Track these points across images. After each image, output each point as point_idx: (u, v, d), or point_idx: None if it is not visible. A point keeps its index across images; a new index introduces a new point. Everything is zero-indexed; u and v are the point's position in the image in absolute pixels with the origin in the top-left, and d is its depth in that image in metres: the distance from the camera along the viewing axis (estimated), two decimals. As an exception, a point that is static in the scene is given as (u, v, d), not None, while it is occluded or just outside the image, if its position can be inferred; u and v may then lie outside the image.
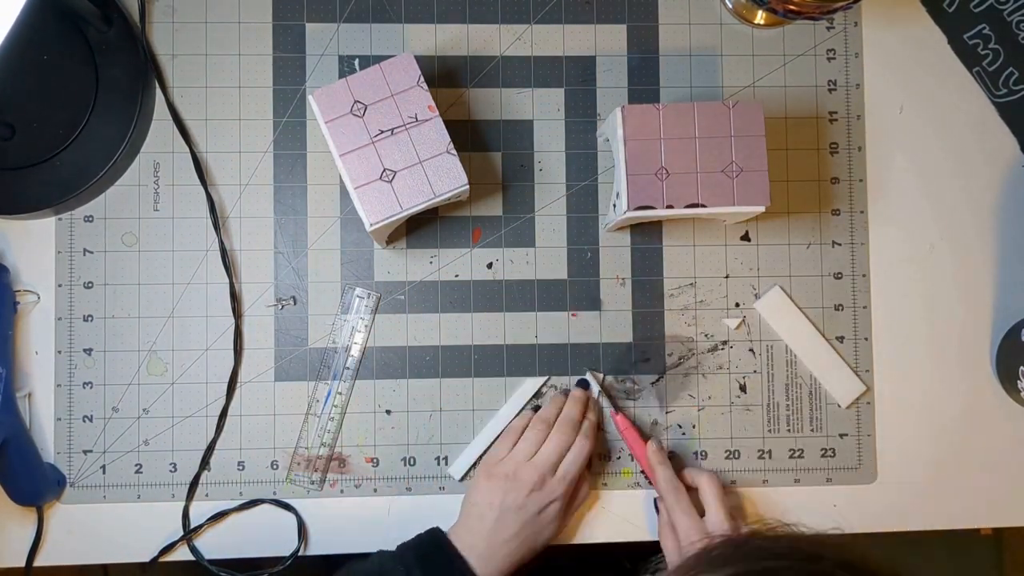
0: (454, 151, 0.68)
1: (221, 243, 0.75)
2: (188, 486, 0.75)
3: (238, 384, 0.76)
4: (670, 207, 0.68)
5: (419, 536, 0.70)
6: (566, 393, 0.76)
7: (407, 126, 0.68)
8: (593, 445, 0.73)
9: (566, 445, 0.71)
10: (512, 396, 0.77)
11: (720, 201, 0.68)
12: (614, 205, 0.72)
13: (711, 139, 0.68)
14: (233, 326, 0.75)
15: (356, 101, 0.68)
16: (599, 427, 0.76)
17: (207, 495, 0.75)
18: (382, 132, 0.67)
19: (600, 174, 0.78)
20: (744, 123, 0.69)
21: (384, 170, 0.67)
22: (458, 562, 0.67)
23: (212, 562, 0.74)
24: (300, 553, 0.75)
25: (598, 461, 0.77)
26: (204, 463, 0.75)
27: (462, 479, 0.76)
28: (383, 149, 0.67)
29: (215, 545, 0.75)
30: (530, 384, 0.77)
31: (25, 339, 0.75)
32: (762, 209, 0.69)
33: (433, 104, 0.68)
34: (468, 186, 0.68)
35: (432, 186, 0.67)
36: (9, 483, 0.71)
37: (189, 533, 0.74)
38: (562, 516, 0.71)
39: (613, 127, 0.70)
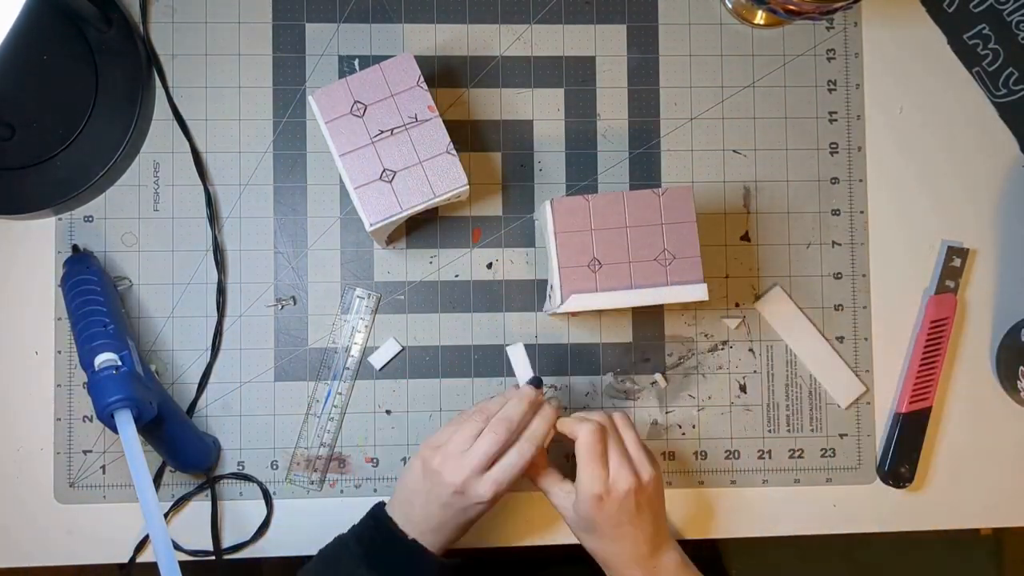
0: (454, 151, 0.68)
1: (215, 238, 0.75)
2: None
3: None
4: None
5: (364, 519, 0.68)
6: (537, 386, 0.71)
7: (407, 126, 0.68)
8: (535, 451, 0.64)
9: (496, 445, 0.63)
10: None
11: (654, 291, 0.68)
12: (549, 296, 0.72)
13: (642, 228, 0.68)
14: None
15: (356, 101, 0.68)
16: (551, 433, 0.67)
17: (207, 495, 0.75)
18: (382, 132, 0.67)
19: (600, 174, 0.78)
20: (674, 211, 0.68)
21: (384, 170, 0.67)
22: (399, 535, 0.65)
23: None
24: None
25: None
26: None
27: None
28: (383, 149, 0.67)
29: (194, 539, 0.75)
30: (516, 354, 0.73)
31: (25, 339, 0.75)
32: (702, 295, 0.67)
33: (433, 104, 0.68)
34: (468, 186, 0.68)
35: (432, 186, 0.67)
36: (176, 453, 0.70)
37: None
38: (492, 505, 0.66)
39: (544, 220, 0.69)
